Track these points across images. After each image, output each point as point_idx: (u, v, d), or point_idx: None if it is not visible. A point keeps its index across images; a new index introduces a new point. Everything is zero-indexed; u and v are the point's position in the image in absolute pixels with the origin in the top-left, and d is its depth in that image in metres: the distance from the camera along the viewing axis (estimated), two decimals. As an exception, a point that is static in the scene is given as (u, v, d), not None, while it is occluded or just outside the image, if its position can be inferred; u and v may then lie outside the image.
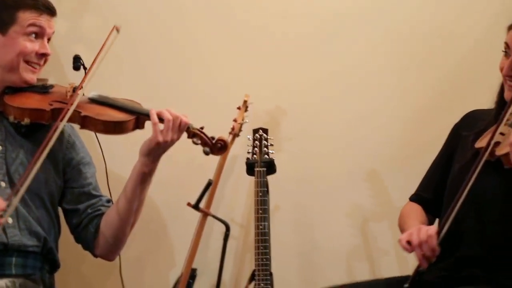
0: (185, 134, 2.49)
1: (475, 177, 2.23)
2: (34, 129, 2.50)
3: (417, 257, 2.26)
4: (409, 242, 2.29)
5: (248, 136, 3.12)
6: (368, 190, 3.28)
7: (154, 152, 2.47)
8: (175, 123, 2.44)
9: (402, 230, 2.57)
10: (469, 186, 2.23)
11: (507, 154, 2.17)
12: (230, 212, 3.27)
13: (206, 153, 2.49)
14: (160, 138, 2.43)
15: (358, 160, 3.28)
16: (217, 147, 2.51)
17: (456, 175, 2.47)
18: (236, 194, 3.29)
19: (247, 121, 3.12)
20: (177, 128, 2.45)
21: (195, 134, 2.49)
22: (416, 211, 2.59)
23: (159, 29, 3.31)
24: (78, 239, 2.65)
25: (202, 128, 2.50)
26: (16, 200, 2.26)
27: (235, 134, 3.09)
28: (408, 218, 2.56)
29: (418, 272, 2.27)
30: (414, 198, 2.66)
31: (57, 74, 3.14)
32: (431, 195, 2.59)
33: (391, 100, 3.29)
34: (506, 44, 2.40)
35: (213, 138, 2.50)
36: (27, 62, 2.50)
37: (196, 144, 2.49)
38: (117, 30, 2.55)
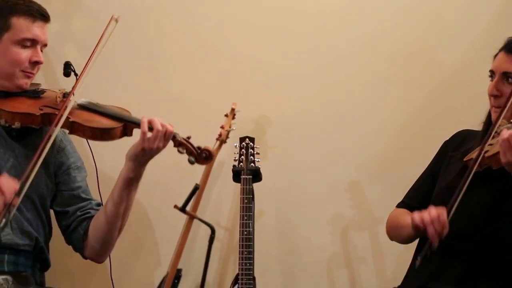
0: (171, 143, 2.52)
1: (466, 187, 2.36)
2: (25, 133, 2.55)
3: (429, 234, 2.38)
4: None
5: (235, 144, 3.15)
6: (349, 200, 3.32)
7: (139, 158, 2.50)
8: (162, 132, 2.47)
9: (394, 228, 2.69)
10: (461, 195, 2.36)
11: (496, 154, 2.31)
12: (215, 215, 3.31)
13: (191, 162, 2.52)
14: (146, 145, 2.46)
15: (340, 171, 3.32)
16: (202, 157, 2.53)
17: (441, 191, 2.57)
18: (222, 198, 3.32)
19: (234, 128, 3.12)
20: (163, 137, 2.48)
21: (180, 143, 2.51)
22: (407, 212, 2.67)
23: (149, 32, 3.32)
24: (68, 241, 2.69)
25: (189, 137, 2.53)
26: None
27: (222, 140, 3.09)
28: (402, 215, 2.65)
29: (430, 248, 2.38)
30: (401, 205, 2.76)
31: (47, 73, 3.16)
32: (418, 204, 2.67)
33: (374, 113, 3.33)
34: (491, 71, 2.53)
35: (199, 148, 2.53)
36: (22, 70, 2.54)
37: (181, 153, 2.52)
38: (116, 21, 2.57)
